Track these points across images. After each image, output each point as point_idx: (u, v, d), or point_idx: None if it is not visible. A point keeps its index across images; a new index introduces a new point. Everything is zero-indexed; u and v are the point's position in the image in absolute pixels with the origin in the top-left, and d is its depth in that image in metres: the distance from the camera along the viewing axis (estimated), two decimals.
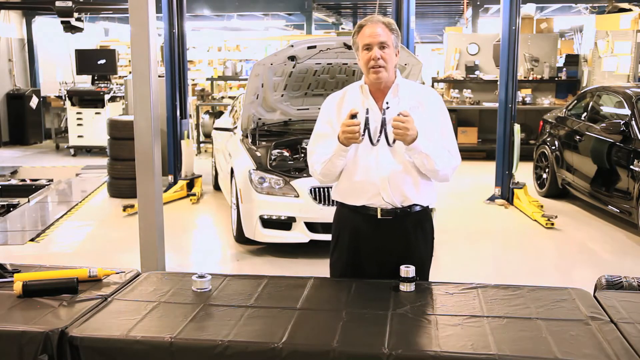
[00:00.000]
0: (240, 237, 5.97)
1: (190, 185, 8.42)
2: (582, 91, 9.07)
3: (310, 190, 5.61)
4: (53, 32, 13.65)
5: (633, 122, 6.48)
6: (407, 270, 2.53)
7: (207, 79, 13.75)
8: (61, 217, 7.34)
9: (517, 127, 7.66)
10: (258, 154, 6.07)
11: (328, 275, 2.89)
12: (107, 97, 11.72)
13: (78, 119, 11.77)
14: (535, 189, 8.39)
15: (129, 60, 8.64)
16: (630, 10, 11.34)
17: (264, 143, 6.33)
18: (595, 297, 2.50)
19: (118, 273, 2.70)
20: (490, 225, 7.08)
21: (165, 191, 7.65)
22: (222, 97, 12.90)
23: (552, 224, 6.74)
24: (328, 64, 6.37)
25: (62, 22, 11.05)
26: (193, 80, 13.36)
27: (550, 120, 8.49)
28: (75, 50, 12.39)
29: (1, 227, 7.10)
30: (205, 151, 11.99)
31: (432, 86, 12.58)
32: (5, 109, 13.37)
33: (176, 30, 8.26)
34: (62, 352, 2.14)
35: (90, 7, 11.99)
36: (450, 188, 7.55)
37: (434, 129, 2.71)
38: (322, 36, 14.52)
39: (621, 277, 2.71)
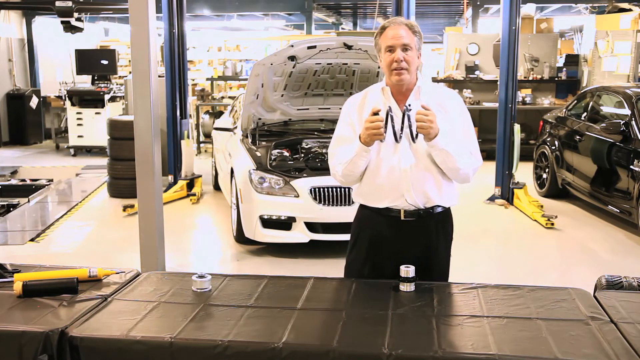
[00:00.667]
0: (240, 237, 5.97)
1: (190, 185, 8.42)
2: (582, 91, 9.06)
3: (310, 190, 5.61)
4: (53, 32, 13.64)
5: (633, 122, 6.48)
6: (407, 270, 2.52)
7: (207, 79, 13.74)
8: (61, 217, 7.34)
9: (517, 127, 7.66)
10: (258, 154, 6.07)
11: (328, 275, 2.88)
12: (107, 97, 11.71)
13: (78, 119, 11.77)
14: (535, 189, 8.39)
15: (129, 60, 8.67)
16: (630, 10, 11.34)
17: (264, 143, 6.32)
18: (595, 297, 2.49)
19: (118, 273, 2.70)
20: (490, 225, 7.08)
21: (165, 191, 7.65)
22: (222, 97, 12.90)
23: (552, 224, 6.74)
24: (328, 64, 6.37)
25: (62, 22, 11.05)
26: (193, 80, 13.35)
27: (550, 120, 8.48)
28: (75, 50, 12.39)
29: (1, 227, 7.10)
30: (205, 151, 11.99)
31: None
32: (5, 109, 13.37)
33: (176, 30, 8.26)
34: (62, 352, 2.14)
35: (90, 7, 11.99)
36: None
37: (456, 131, 2.70)
38: (322, 36, 14.49)
39: (621, 277, 2.70)
